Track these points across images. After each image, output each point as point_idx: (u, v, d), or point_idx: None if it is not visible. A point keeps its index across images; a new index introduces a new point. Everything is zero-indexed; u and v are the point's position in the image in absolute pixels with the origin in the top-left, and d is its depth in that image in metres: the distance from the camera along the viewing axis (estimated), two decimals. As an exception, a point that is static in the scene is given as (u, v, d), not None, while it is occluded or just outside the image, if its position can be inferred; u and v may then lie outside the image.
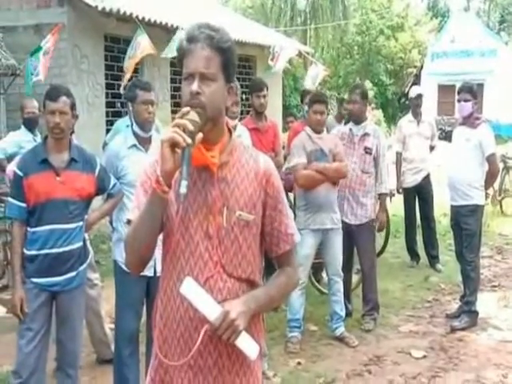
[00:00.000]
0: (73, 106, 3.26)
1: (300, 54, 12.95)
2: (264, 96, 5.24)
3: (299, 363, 4.52)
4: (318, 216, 4.74)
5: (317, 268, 5.65)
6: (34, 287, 3.18)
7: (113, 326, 4.86)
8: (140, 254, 1.85)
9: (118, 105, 9.66)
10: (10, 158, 5.23)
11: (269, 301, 1.92)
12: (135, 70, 8.29)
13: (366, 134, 5.10)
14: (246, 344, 1.80)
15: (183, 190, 1.65)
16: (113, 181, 3.43)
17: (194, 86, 1.76)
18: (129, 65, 7.56)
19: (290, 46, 9.95)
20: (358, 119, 5.13)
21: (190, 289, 1.77)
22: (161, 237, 1.89)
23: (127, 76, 7.55)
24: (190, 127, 1.69)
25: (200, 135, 1.73)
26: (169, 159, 1.68)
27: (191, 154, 1.69)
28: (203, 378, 1.85)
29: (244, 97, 9.44)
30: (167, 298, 1.88)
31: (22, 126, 5.67)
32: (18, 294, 3.14)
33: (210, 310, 1.76)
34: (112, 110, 9.45)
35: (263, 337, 1.99)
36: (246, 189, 1.86)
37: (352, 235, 5.07)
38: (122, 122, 6.85)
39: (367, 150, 5.05)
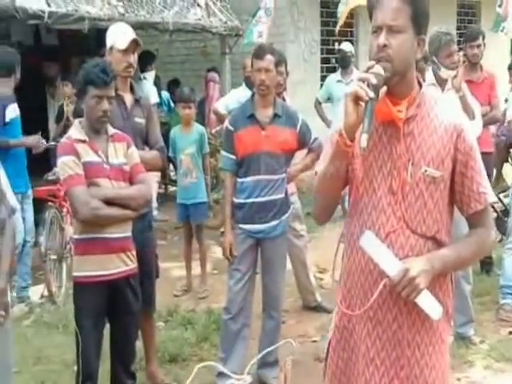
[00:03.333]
0: (278, 64, 3.39)
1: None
2: (478, 46, 4.87)
3: (511, 332, 4.26)
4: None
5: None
6: (241, 233, 3.45)
7: (318, 274, 5.09)
8: (323, 205, 1.93)
9: (333, 60, 9.73)
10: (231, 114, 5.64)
11: (457, 262, 1.86)
12: (350, 25, 8.23)
13: None
14: (428, 303, 1.77)
15: (363, 143, 1.66)
16: (314, 136, 3.53)
17: (381, 39, 1.74)
18: (342, 11, 7.49)
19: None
20: None
21: (370, 242, 1.78)
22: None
23: (340, 22, 7.50)
24: (374, 81, 1.68)
25: (384, 89, 1.71)
26: (351, 113, 1.70)
27: (374, 107, 1.69)
28: (382, 331, 1.86)
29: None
30: (350, 249, 1.92)
31: (243, 84, 6.05)
32: (227, 239, 3.45)
33: (390, 265, 1.75)
34: (326, 65, 9.57)
35: (451, 299, 1.93)
36: (433, 144, 1.80)
37: None
38: (334, 77, 6.93)
39: None
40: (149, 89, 6.77)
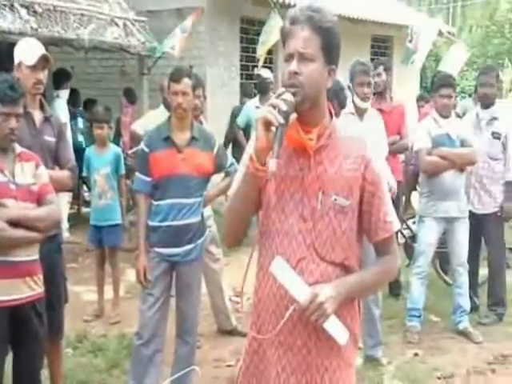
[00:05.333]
0: (195, 87, 3.40)
1: (442, 34, 12.29)
2: (378, 74, 5.16)
3: (416, 354, 4.40)
4: (443, 204, 4.55)
5: (444, 258, 5.43)
6: (155, 256, 3.38)
7: (235, 298, 5.08)
8: (233, 229, 1.93)
9: (252, 86, 9.87)
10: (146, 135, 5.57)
11: (363, 288, 1.92)
12: (269, 52, 8.40)
13: (494, 119, 4.87)
14: (335, 328, 1.80)
15: (272, 168, 1.68)
16: (230, 160, 3.55)
17: (292, 66, 1.78)
18: (262, 51, 7.68)
19: (430, 27, 9.41)
20: (491, 103, 4.89)
21: (280, 268, 1.79)
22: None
23: (261, 62, 7.68)
24: (284, 107, 1.71)
25: (294, 115, 1.75)
26: (262, 137, 1.73)
27: (284, 133, 1.72)
28: (292, 357, 1.87)
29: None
30: (262, 274, 1.93)
31: (162, 105, 6.00)
32: (141, 262, 3.37)
33: (299, 290, 1.77)
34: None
35: (358, 324, 1.97)
36: (342, 174, 1.85)
37: (479, 225, 4.82)
38: (253, 102, 7.02)
39: (495, 135, 4.81)
40: (61, 107, 6.58)
